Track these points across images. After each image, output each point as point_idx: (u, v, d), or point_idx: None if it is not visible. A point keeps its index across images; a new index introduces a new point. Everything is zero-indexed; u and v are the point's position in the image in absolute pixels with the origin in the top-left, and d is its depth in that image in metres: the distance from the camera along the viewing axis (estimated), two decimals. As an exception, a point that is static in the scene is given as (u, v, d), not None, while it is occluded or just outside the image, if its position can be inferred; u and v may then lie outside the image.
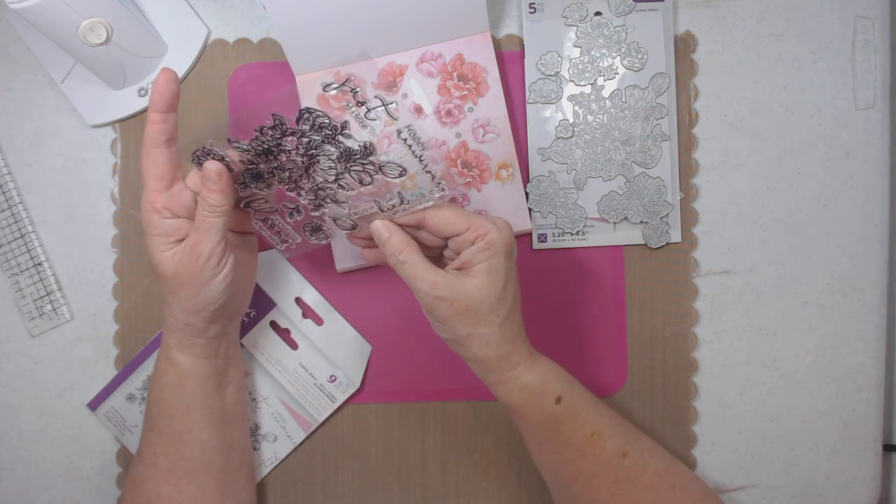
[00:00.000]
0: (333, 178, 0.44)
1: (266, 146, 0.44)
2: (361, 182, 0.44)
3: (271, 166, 0.45)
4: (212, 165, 0.44)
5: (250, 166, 0.46)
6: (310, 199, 0.46)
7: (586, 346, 0.59)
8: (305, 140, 0.43)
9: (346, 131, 0.43)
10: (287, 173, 0.46)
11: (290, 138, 0.43)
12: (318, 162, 0.44)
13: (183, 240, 0.46)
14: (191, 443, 0.50)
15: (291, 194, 0.47)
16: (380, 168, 0.43)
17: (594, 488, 0.48)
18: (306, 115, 0.42)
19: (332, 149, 0.43)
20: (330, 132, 0.43)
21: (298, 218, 0.49)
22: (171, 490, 0.50)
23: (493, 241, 0.44)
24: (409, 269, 0.45)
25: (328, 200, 0.46)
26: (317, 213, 0.47)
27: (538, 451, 0.49)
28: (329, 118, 0.42)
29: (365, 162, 0.43)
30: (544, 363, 0.48)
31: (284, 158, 0.45)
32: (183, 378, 0.49)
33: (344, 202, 0.46)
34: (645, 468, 0.48)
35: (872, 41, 0.59)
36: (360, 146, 0.42)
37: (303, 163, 0.44)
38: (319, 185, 0.45)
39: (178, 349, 0.49)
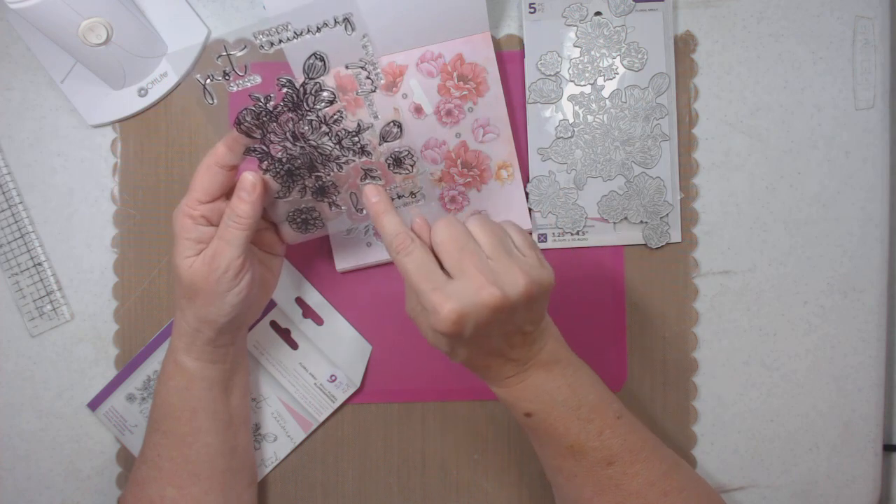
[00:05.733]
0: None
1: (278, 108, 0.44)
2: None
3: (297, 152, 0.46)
4: (249, 176, 0.45)
5: (282, 164, 0.46)
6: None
7: (586, 346, 0.59)
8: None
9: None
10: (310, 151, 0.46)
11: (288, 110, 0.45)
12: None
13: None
14: (195, 445, 0.50)
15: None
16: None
17: (577, 486, 0.48)
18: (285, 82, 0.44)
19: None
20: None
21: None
22: (175, 492, 0.50)
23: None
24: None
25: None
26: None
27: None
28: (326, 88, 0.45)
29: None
30: (533, 380, 0.46)
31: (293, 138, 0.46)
32: (190, 382, 0.50)
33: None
34: (633, 477, 0.47)
35: (872, 41, 0.59)
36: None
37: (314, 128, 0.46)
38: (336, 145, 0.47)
39: (186, 353, 0.49)
